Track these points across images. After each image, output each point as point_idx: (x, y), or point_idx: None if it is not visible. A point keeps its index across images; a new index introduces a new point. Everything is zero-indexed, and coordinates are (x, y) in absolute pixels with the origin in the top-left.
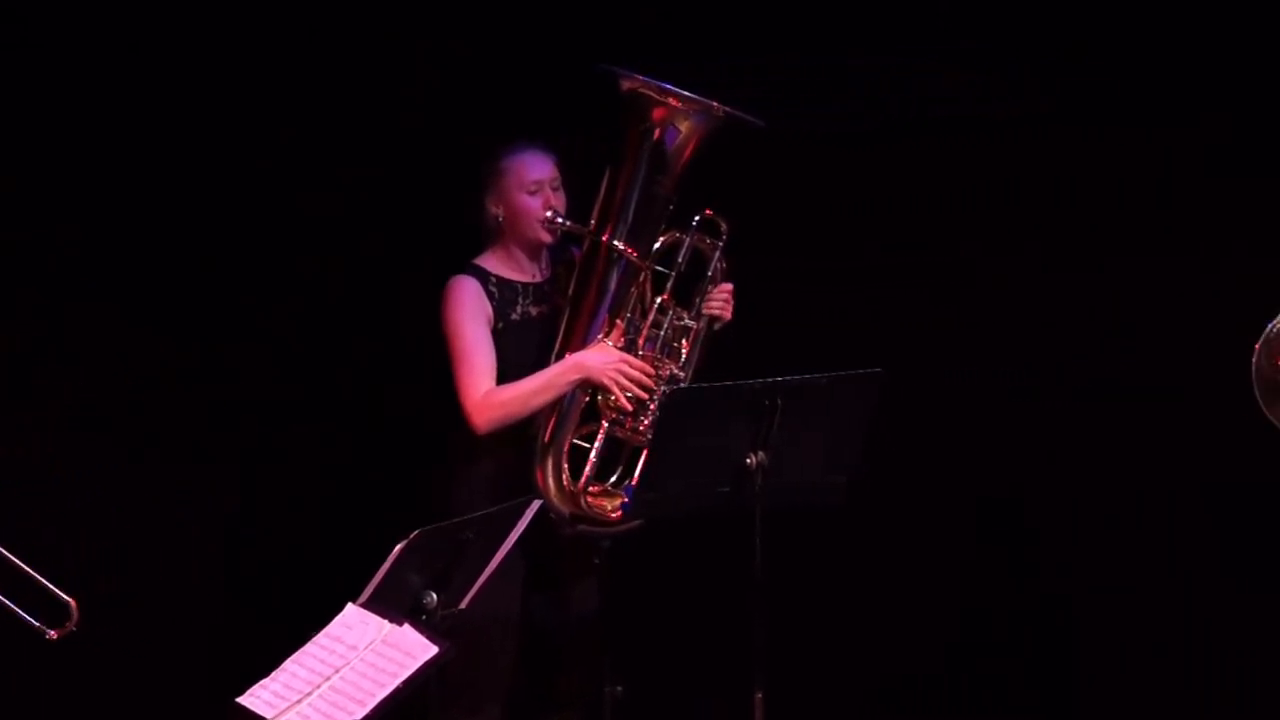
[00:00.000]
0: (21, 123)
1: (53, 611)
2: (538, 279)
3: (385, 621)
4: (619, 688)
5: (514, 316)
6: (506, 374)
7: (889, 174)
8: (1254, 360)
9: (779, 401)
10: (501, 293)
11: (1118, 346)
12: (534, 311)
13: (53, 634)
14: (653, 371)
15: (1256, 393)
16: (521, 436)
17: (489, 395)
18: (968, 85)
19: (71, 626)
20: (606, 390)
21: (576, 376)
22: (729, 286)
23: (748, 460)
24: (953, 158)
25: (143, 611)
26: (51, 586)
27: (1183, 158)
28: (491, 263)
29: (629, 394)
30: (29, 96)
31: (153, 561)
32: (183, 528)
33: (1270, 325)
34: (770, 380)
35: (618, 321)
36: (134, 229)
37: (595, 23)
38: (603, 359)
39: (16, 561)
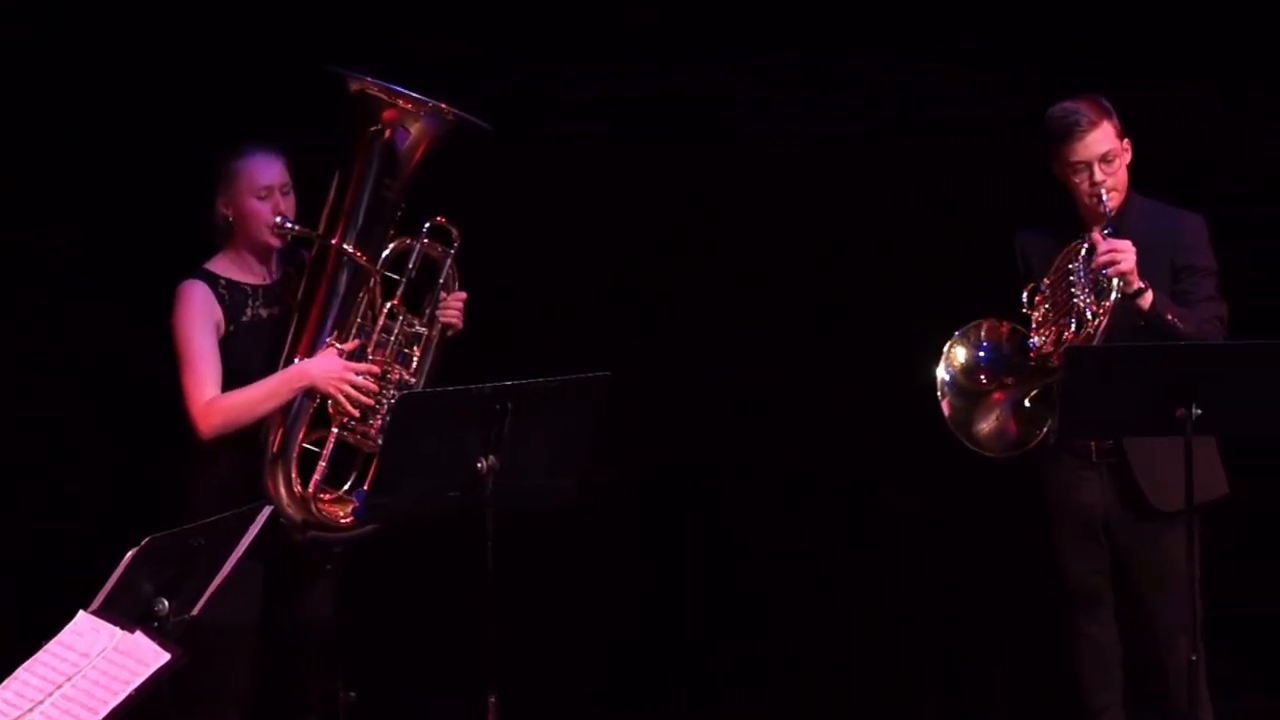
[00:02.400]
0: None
1: None
2: (268, 281)
3: (116, 629)
4: (352, 693)
5: (245, 319)
6: (239, 377)
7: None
8: (941, 378)
9: (509, 405)
10: (231, 295)
11: None
12: (265, 314)
13: None
14: (379, 373)
15: (948, 412)
16: (255, 441)
17: (213, 402)
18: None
19: None
20: (333, 398)
21: (301, 385)
22: (463, 295)
23: (478, 464)
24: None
25: None
26: None
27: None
28: (221, 265)
29: (356, 401)
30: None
31: None
32: None
33: (946, 351)
34: (500, 384)
35: (348, 327)
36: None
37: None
38: (326, 367)
39: None
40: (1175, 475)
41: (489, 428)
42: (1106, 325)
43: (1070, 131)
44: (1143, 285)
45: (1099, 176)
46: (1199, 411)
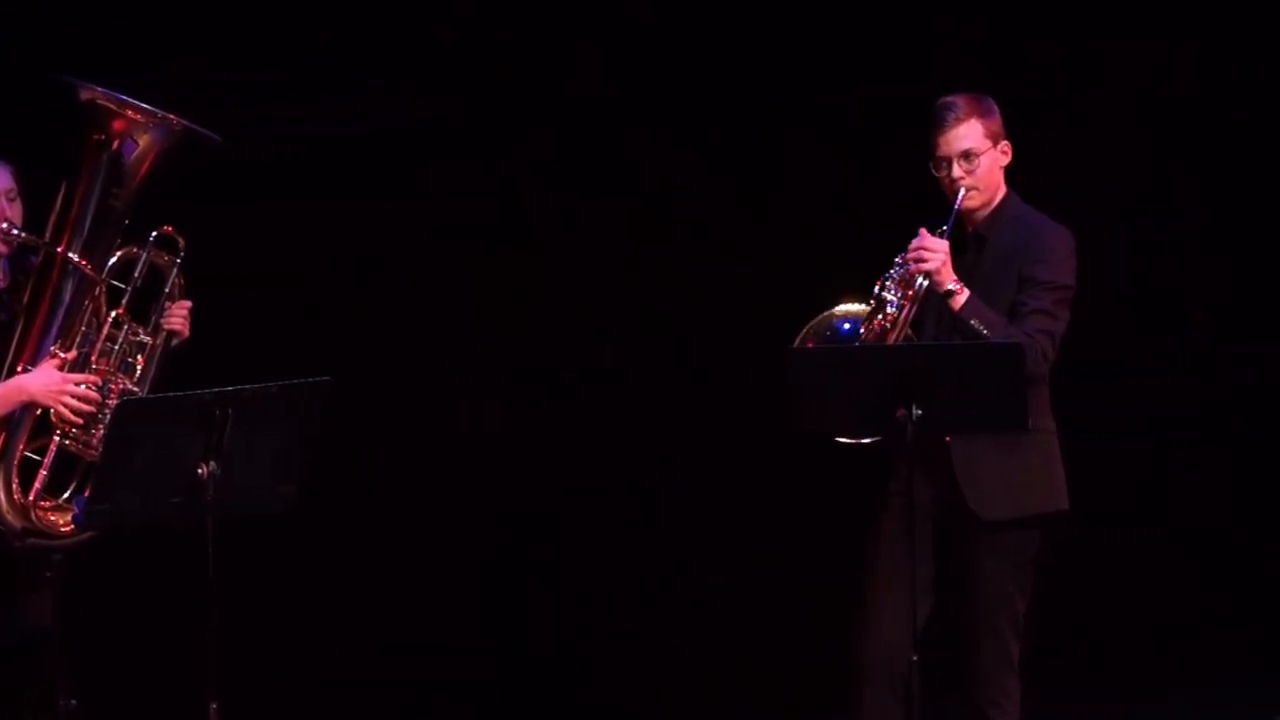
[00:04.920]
0: None
1: None
2: None
3: None
4: (73, 701)
5: None
6: None
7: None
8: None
9: (229, 411)
10: None
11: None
12: None
13: None
14: (99, 384)
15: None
16: None
17: None
18: None
19: None
20: (54, 410)
21: (20, 400)
22: (188, 303)
23: (199, 471)
24: None
25: None
26: None
27: None
28: None
29: (78, 411)
30: None
31: None
32: None
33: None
34: (219, 390)
35: (72, 335)
36: None
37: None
38: (45, 382)
39: None
40: (1000, 483)
41: (209, 433)
42: (907, 320)
43: (937, 123)
44: (954, 287)
45: (956, 173)
46: (919, 412)
